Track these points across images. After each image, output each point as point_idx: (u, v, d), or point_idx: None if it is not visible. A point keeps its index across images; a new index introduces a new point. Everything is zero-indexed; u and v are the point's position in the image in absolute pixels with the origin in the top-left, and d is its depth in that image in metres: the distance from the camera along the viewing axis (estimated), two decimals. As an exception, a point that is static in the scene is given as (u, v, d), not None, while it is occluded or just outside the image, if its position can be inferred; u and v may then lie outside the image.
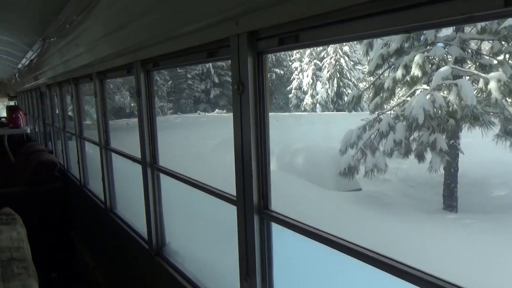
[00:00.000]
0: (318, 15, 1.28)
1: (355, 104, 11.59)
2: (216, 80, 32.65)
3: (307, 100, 30.65)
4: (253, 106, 1.66)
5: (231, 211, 1.90)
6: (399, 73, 10.48)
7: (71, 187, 5.73)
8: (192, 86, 33.64)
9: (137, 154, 3.10)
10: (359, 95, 11.70)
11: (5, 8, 4.43)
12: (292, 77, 33.07)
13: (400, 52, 10.68)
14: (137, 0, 2.37)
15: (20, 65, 7.92)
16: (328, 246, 1.40)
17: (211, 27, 1.83)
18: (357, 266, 1.29)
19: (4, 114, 11.27)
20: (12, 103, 13.44)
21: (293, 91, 32.38)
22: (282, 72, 35.08)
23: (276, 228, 1.70)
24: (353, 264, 1.25)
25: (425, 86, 10.26)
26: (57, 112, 6.82)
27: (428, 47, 10.40)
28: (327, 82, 29.82)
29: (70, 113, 6.18)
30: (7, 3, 4.03)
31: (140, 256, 3.15)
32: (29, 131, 10.41)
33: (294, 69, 32.93)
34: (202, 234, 2.75)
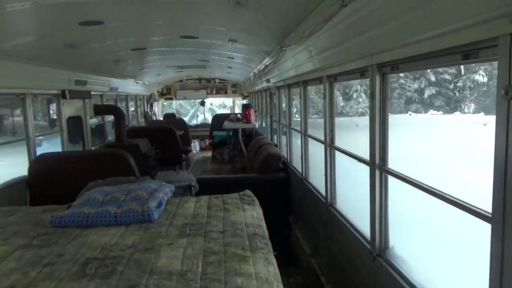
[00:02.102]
0: None
1: None
2: (432, 79, 29.92)
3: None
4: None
5: (478, 226, 1.74)
6: None
7: (292, 178, 6.38)
8: (404, 85, 31.97)
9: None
10: None
11: (254, 24, 5.28)
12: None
13: None
14: (380, 9, 2.41)
15: (255, 70, 9.27)
16: None
17: (471, 27, 1.70)
18: None
19: (239, 110, 13.39)
20: (244, 101, 15.91)
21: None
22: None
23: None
24: None
25: None
26: (283, 110, 7.68)
27: None
28: None
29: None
30: (256, 20, 4.78)
31: (360, 254, 3.23)
32: (257, 126, 12.09)
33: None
34: (436, 246, 2.60)
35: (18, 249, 2.96)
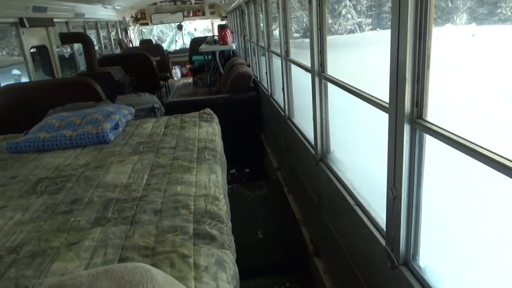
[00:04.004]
0: None
1: None
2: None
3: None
4: (413, 5, 1.44)
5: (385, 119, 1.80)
6: None
7: (262, 97, 6.39)
8: None
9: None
10: None
11: None
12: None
13: None
14: None
15: (226, -14, 8.77)
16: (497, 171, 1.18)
17: None
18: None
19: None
20: (223, 22, 15.22)
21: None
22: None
23: (431, 140, 1.54)
24: None
25: None
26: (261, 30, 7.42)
27: None
28: None
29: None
30: None
31: (308, 160, 3.38)
32: (234, 47, 11.74)
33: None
34: (361, 143, 2.72)
35: (-28, 175, 3.04)
